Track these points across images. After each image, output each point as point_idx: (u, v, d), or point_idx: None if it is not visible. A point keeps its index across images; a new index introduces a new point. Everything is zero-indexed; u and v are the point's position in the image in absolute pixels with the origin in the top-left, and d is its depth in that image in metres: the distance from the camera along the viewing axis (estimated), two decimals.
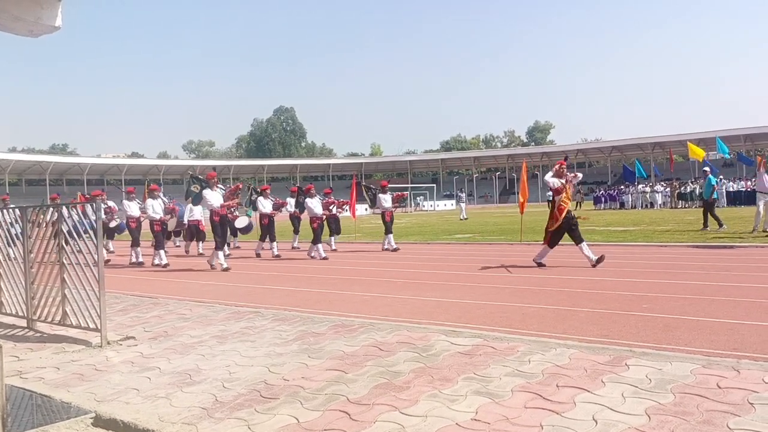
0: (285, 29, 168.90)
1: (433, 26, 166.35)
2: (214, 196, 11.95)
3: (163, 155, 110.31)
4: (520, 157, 75.32)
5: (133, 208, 14.01)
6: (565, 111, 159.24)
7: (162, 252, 13.34)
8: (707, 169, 17.74)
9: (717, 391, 3.44)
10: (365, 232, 20.87)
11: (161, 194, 14.82)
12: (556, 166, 10.45)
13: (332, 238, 15.68)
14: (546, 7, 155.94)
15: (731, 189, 36.45)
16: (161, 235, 13.71)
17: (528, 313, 6.37)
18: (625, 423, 3.06)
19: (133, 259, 13.99)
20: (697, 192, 31.64)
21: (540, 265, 10.19)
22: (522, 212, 15.85)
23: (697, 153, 22.75)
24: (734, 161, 54.05)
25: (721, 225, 16.08)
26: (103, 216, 14.24)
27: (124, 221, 14.77)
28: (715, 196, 16.43)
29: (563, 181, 10.17)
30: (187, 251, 16.43)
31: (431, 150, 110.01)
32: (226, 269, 11.54)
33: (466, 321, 5.98)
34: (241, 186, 14.83)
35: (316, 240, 13.42)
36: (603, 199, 43.68)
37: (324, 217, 14.43)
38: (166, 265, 12.98)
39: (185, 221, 15.37)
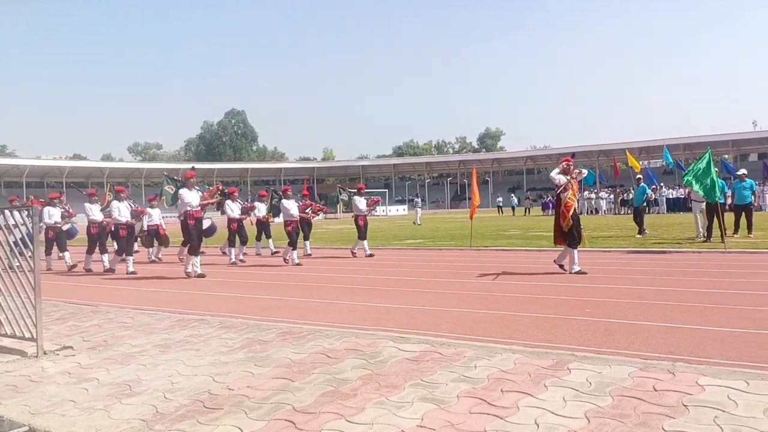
0: (238, 31, 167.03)
1: (386, 32, 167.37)
2: (192, 196, 11.33)
3: (107, 157, 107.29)
4: (471, 163, 76.38)
5: (95, 211, 13.34)
6: (516, 119, 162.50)
7: (131, 258, 12.64)
8: (640, 177, 18.51)
9: (653, 394, 3.55)
10: (317, 237, 20.74)
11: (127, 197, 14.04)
12: (563, 164, 10.26)
13: (306, 242, 15.07)
14: (497, 16, 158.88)
15: (671, 196, 37.79)
16: (125, 240, 12.88)
17: (475, 318, 6.45)
18: (565, 426, 3.13)
19: (87, 266, 13.32)
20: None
21: (580, 272, 9.61)
22: (472, 218, 16.05)
23: (634, 163, 23.93)
24: (674, 169, 56.09)
25: (641, 232, 16.78)
26: (60, 220, 13.78)
27: (77, 225, 14.27)
28: (644, 203, 17.26)
29: (569, 177, 10.01)
30: (159, 258, 15.57)
31: (384, 155, 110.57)
32: (201, 275, 11.03)
33: (415, 327, 6.01)
34: (221, 187, 13.97)
35: (292, 244, 13.01)
36: (550, 205, 44.61)
37: (298, 220, 13.88)
38: (133, 273, 12.25)
39: (145, 227, 14.74)
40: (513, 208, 48.28)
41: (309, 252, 15.08)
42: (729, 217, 15.60)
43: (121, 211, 12.81)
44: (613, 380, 3.84)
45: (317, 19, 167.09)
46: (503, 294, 8.02)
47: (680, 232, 17.89)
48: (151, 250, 15.45)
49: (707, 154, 13.24)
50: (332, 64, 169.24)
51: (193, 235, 11.16)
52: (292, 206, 13.59)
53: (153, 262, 15.01)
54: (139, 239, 15.16)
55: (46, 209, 13.72)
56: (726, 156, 63.45)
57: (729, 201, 18.32)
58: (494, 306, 7.11)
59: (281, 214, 13.97)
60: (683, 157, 64.92)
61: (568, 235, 9.85)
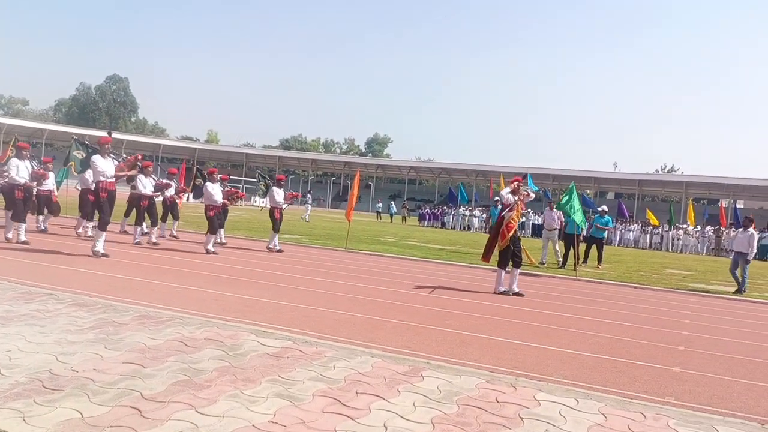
0: None
1: (287, 20, 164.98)
2: (106, 165, 10.22)
3: None
4: (357, 165, 77.01)
5: (22, 171, 11.35)
6: (404, 128, 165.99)
7: (23, 226, 11.12)
8: (498, 199, 19.63)
9: (495, 405, 3.82)
10: (189, 221, 19.98)
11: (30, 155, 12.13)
12: (514, 183, 10.10)
13: (221, 230, 13.90)
14: (399, 22, 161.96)
15: (536, 222, 40.35)
16: (22, 205, 11.19)
17: (340, 319, 6.54)
18: (411, 431, 3.28)
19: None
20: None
21: (504, 293, 9.58)
22: (349, 219, 16.23)
23: (501, 187, 25.56)
24: (541, 196, 60.07)
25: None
26: None
27: None
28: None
29: (517, 198, 9.82)
30: (45, 228, 13.71)
31: (270, 146, 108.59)
32: (104, 255, 9.87)
33: (279, 323, 5.99)
34: (141, 157, 12.25)
35: (212, 230, 12.15)
36: (427, 217, 46.11)
37: (222, 206, 13.06)
38: (25, 242, 10.83)
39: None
40: (391, 215, 49.34)
41: (224, 240, 14.32)
42: (581, 247, 16.91)
43: (20, 171, 11.21)
44: (461, 389, 4.07)
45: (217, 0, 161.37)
46: (370, 298, 8.20)
47: (538, 256, 19.15)
48: (41, 218, 13.70)
49: (572, 188, 14.35)
50: (228, 48, 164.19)
51: (106, 208, 10.13)
52: (217, 192, 12.69)
53: (42, 231, 13.36)
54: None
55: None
56: (588, 191, 69.02)
57: (584, 232, 19.90)
58: (360, 309, 7.25)
59: (202, 198, 12.88)
60: (551, 186, 69.71)
61: (501, 255, 9.76)
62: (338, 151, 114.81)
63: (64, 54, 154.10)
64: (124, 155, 11.95)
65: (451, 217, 44.30)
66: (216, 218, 12.37)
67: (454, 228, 42.45)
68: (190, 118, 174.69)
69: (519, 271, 9.85)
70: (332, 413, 3.44)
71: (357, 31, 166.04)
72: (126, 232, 14.50)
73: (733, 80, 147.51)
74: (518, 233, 9.89)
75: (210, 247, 12.06)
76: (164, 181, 14.62)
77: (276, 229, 13.71)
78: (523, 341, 6.21)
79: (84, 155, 11.09)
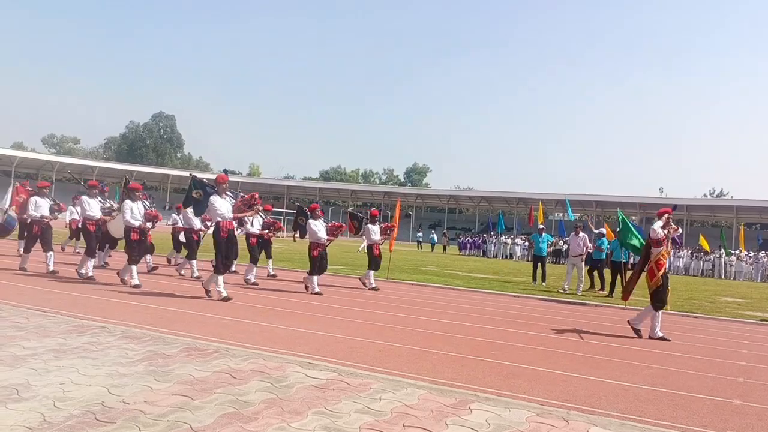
0: (173, 35, 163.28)
1: (326, 55, 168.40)
2: (224, 205, 9.94)
3: (18, 146, 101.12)
4: (396, 195, 77.27)
5: (93, 206, 11.63)
6: (442, 157, 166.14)
7: (134, 269, 10.67)
8: (542, 227, 19.32)
9: None
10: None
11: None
12: (665, 216, 9.14)
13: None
14: (436, 52, 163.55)
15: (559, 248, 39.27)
16: (137, 246, 10.83)
17: (385, 350, 6.49)
18: None
19: (84, 271, 11.21)
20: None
21: (663, 339, 8.70)
22: (391, 250, 16.23)
23: (540, 215, 25.30)
24: (584, 223, 59.02)
25: (534, 280, 17.51)
26: (48, 213, 11.91)
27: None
28: (543, 253, 17.86)
29: (666, 231, 8.98)
30: (152, 266, 13.55)
31: (310, 177, 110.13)
32: (228, 299, 9.51)
33: (324, 354, 5.98)
34: (257, 196, 11.43)
35: (315, 271, 11.54)
36: (468, 246, 45.77)
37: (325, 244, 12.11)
38: (139, 286, 10.38)
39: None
40: (432, 245, 49.16)
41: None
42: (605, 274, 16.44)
43: (134, 213, 10.85)
44: (511, 423, 3.97)
45: (256, 36, 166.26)
46: (414, 329, 8.12)
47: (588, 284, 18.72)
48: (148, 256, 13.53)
49: (621, 216, 14.06)
50: (269, 82, 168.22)
51: (223, 249, 9.74)
52: (320, 228, 11.86)
53: (151, 271, 13.20)
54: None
55: (33, 199, 12.10)
56: (633, 217, 67.47)
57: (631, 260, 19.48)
58: (405, 340, 7.18)
59: (307, 235, 12.15)
60: (594, 213, 68.44)
61: (653, 295, 8.94)
62: (377, 181, 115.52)
63: (114, 93, 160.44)
64: (241, 193, 11.45)
65: (492, 245, 43.85)
66: (320, 258, 11.68)
67: (495, 256, 41.99)
68: (232, 153, 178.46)
69: (659, 314, 8.92)
70: None
71: (394, 63, 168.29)
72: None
73: None
74: (667, 271, 9.04)
75: (316, 288, 11.45)
76: (272, 219, 14.20)
77: (377, 266, 13.40)
78: (573, 372, 6.03)
79: (201, 195, 10.67)
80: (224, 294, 9.59)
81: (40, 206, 11.99)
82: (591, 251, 16.29)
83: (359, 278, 13.85)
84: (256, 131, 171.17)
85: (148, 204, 11.94)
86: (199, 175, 12.58)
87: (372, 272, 13.31)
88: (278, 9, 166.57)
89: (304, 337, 6.91)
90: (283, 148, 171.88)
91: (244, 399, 4.09)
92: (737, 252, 36.45)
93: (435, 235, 52.63)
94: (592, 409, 4.68)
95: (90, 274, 11.13)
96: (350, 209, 19.32)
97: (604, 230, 17.82)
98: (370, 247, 13.51)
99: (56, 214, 12.53)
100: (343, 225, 13.47)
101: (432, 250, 45.75)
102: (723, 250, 35.78)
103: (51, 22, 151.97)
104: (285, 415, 3.82)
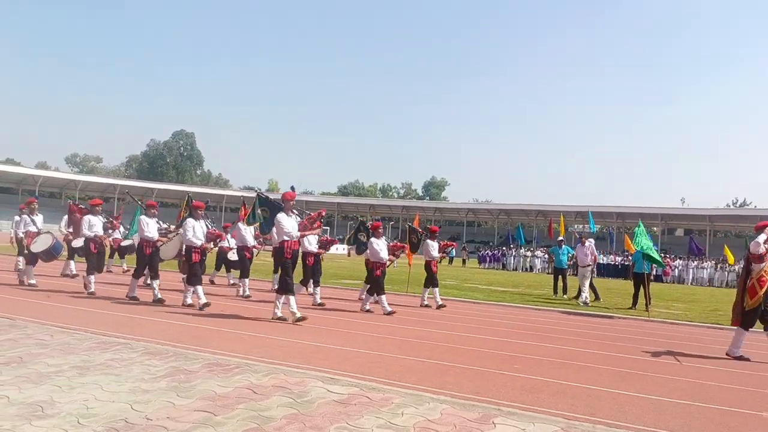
0: (191, 53, 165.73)
1: (345, 69, 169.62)
2: (291, 223, 9.48)
3: (42, 165, 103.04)
4: (415, 209, 77.23)
5: (152, 227, 10.94)
6: (460, 170, 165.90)
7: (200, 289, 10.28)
8: (562, 239, 19.14)
9: None
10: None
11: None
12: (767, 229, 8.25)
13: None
14: (455, 68, 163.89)
15: (602, 261, 39.21)
16: (198, 267, 10.38)
17: (406, 364, 6.45)
18: None
19: (132, 293, 10.81)
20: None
21: (740, 358, 8.20)
22: (410, 264, 16.18)
23: (561, 228, 25.02)
24: (605, 235, 58.42)
25: (555, 292, 17.45)
26: (101, 232, 11.70)
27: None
28: (564, 265, 17.69)
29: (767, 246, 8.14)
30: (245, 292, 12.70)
31: (328, 193, 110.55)
32: (301, 318, 9.02)
33: (345, 369, 5.95)
34: (324, 213, 11.02)
35: (377, 289, 11.09)
36: (487, 259, 45.53)
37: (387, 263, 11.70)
38: (205, 306, 10.05)
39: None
40: (450, 258, 48.93)
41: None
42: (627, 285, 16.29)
43: (196, 232, 10.32)
44: None
45: (273, 51, 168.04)
46: (435, 342, 8.06)
47: (611, 297, 18.52)
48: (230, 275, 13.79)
49: (640, 226, 13.91)
50: (288, 97, 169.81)
51: (290, 269, 9.27)
52: (382, 247, 11.52)
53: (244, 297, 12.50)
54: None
55: (87, 218, 11.77)
56: (655, 228, 66.69)
57: (654, 271, 19.28)
58: (426, 354, 7.13)
59: (365, 253, 11.84)
60: (615, 225, 67.71)
61: (747, 315, 8.26)
62: (395, 195, 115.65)
63: (135, 112, 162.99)
64: (307, 212, 10.72)
65: (512, 258, 43.59)
66: (383, 276, 11.33)
67: (515, 269, 41.72)
68: (251, 169, 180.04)
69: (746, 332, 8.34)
70: None
71: (410, 78, 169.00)
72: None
73: None
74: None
75: (386, 307, 10.96)
76: (328, 237, 13.71)
77: (436, 283, 12.86)
78: (597, 386, 5.94)
79: (268, 213, 10.30)
80: (298, 315, 9.02)
81: (93, 225, 11.68)
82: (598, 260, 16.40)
83: (420, 297, 13.30)
84: (275, 148, 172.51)
85: (211, 224, 11.53)
86: (219, 192, 12.52)
87: (437, 290, 12.92)
88: (290, 32, 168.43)
89: (324, 351, 6.89)
90: (301, 164, 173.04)
91: (266, 414, 4.09)
92: None
93: (453, 249, 52.36)
94: (619, 423, 4.59)
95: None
96: (391, 223, 18.85)
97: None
98: (428, 264, 13.01)
99: (110, 231, 12.34)
100: (406, 245, 13.36)
101: (450, 264, 45.54)
102: None
103: (72, 45, 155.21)
104: (307, 430, 3.81)
